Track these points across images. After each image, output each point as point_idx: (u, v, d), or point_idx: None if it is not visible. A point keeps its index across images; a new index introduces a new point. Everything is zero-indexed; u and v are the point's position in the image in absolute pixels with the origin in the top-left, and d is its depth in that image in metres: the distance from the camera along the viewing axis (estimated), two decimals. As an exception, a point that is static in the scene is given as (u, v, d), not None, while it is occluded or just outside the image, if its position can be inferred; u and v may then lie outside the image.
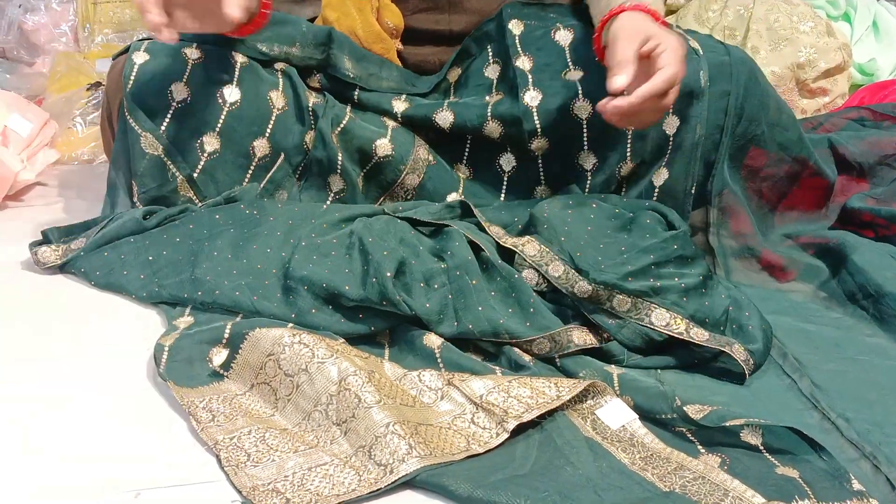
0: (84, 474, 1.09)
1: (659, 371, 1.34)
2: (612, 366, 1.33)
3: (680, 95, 1.53)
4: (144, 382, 1.30)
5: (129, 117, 1.60)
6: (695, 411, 1.19)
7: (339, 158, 1.67)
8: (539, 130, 1.63)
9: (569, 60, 1.67)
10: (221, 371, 1.29)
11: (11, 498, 1.05)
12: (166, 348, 1.32)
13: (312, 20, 1.79)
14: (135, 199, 1.66)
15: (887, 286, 1.52)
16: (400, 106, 1.71)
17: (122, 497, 1.06)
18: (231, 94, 1.64)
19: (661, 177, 1.64)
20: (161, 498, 1.06)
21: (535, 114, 1.63)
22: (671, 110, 1.60)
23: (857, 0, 2.58)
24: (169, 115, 1.61)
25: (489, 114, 1.66)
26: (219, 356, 1.31)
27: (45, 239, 1.64)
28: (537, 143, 1.64)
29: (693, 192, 1.64)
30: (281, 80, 1.69)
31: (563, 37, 1.70)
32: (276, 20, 1.68)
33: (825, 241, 1.71)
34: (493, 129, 1.66)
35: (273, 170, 1.69)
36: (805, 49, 2.30)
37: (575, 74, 1.65)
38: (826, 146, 1.90)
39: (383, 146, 1.67)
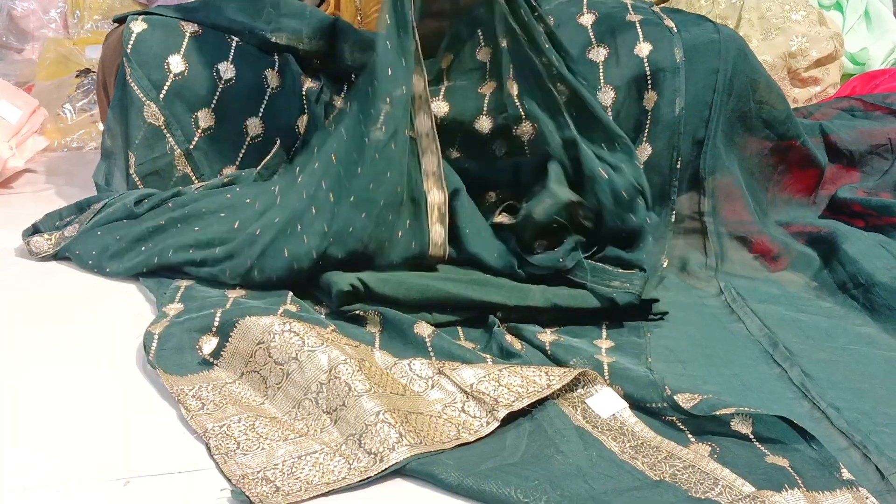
0: (74, 463, 1.09)
1: (649, 360, 1.34)
2: (603, 354, 1.33)
3: (655, 71, 1.64)
4: (134, 371, 1.30)
5: (132, 84, 1.60)
6: (685, 400, 1.19)
7: None
8: (523, 115, 1.64)
9: (545, 44, 1.69)
10: (211, 359, 1.29)
11: (3, 486, 1.05)
12: (156, 336, 1.32)
13: None
14: (131, 171, 1.65)
15: (878, 276, 1.52)
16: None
17: (112, 485, 1.06)
18: (226, 70, 1.65)
19: (644, 152, 1.68)
20: (150, 486, 1.06)
21: (516, 99, 1.64)
22: (649, 86, 1.64)
23: (849, -11, 2.59)
24: (166, 87, 1.62)
25: (485, 107, 1.67)
26: (208, 344, 1.30)
27: (36, 229, 1.63)
28: (522, 128, 1.65)
29: (679, 167, 1.67)
30: (277, 59, 1.70)
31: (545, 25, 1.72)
32: (284, 11, 1.69)
33: (816, 229, 1.71)
34: (485, 123, 1.67)
35: (269, 156, 1.69)
36: (797, 38, 2.29)
37: (550, 57, 1.67)
38: (818, 133, 1.90)
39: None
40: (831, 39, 2.31)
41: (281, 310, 1.37)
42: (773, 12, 2.32)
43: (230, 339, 1.29)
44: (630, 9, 1.73)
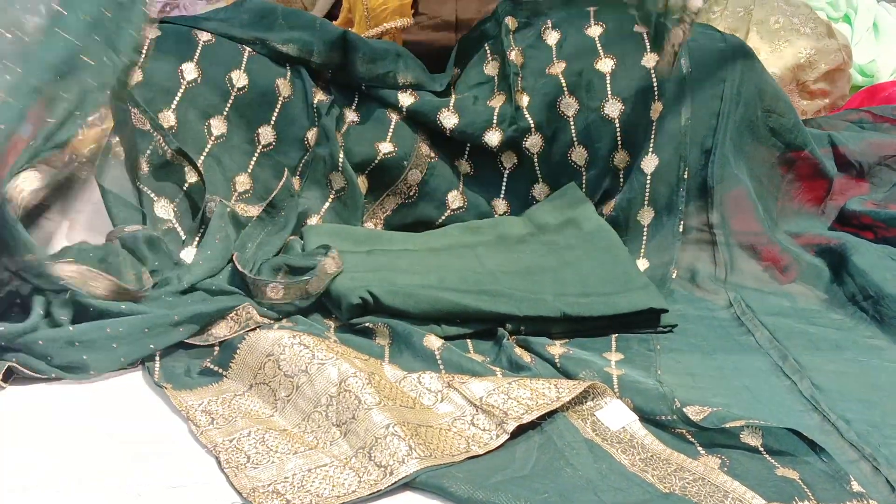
0: (85, 474, 1.09)
1: (659, 372, 1.34)
2: (613, 367, 1.33)
3: (662, 82, 1.67)
4: (141, 382, 1.30)
5: None
6: (694, 412, 1.19)
7: (341, 155, 1.69)
8: (532, 128, 1.68)
9: (554, 58, 1.71)
10: (219, 370, 1.29)
11: (14, 495, 1.05)
12: (157, 356, 1.33)
13: None
14: (142, 172, 1.64)
15: (887, 288, 1.52)
16: (406, 100, 1.73)
17: (124, 497, 1.06)
18: (239, 78, 1.66)
19: (650, 163, 1.69)
20: (161, 498, 1.06)
21: (525, 111, 1.69)
22: (655, 96, 1.67)
23: (858, 1, 2.59)
24: (180, 94, 1.63)
25: (495, 120, 1.69)
26: (212, 358, 1.32)
27: None
28: (531, 141, 1.68)
29: (686, 177, 1.68)
30: (289, 70, 1.71)
31: (552, 37, 1.75)
32: (294, 23, 1.71)
33: (826, 241, 1.71)
34: (494, 137, 1.69)
35: (276, 190, 1.66)
36: (805, 50, 2.30)
37: (558, 67, 1.71)
38: (827, 143, 1.91)
39: (385, 145, 1.69)
40: (840, 51, 2.31)
41: (276, 325, 1.37)
42: (781, 24, 2.33)
43: (238, 352, 1.30)
44: (637, 20, 1.75)
